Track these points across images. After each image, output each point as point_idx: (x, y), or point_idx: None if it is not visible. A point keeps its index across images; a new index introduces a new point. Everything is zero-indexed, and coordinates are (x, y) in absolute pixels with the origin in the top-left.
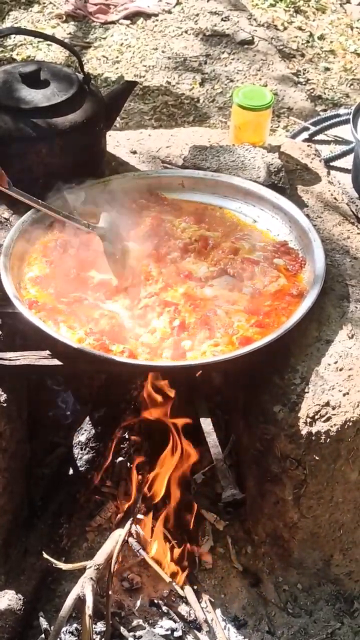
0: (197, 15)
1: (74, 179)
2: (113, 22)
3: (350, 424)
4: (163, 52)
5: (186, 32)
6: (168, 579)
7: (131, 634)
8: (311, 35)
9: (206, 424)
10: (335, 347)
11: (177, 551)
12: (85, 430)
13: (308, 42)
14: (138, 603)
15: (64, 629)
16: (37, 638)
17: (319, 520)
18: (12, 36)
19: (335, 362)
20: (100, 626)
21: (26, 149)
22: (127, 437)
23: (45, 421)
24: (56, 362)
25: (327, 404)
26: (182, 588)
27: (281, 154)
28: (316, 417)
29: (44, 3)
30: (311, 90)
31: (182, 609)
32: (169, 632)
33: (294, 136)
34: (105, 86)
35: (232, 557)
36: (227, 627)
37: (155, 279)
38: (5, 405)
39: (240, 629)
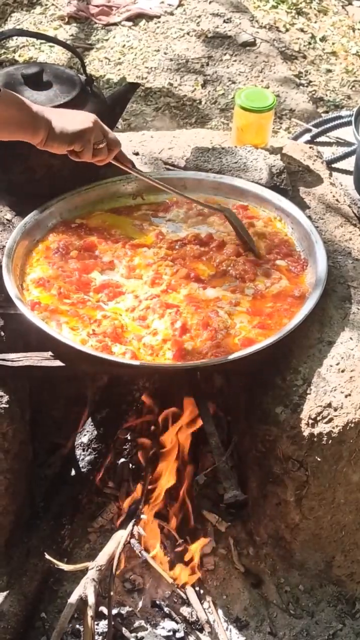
0: (199, 17)
1: (76, 180)
2: (115, 24)
3: (352, 425)
4: (165, 53)
5: (188, 33)
6: (171, 580)
7: (133, 634)
8: (313, 37)
9: (208, 425)
10: (337, 348)
11: (178, 552)
12: (87, 431)
13: (310, 44)
14: (140, 604)
15: (66, 629)
16: (39, 639)
17: (320, 522)
18: (14, 38)
19: (337, 364)
20: (102, 627)
21: (29, 151)
22: (129, 438)
23: (47, 422)
24: (59, 363)
25: (329, 405)
26: (184, 589)
27: (283, 155)
28: (318, 418)
29: (46, 5)
30: (313, 92)
31: (184, 610)
32: (170, 633)
33: (296, 138)
34: (107, 88)
35: (234, 558)
36: (229, 628)
37: (164, 281)
38: (7, 406)
39: (242, 630)
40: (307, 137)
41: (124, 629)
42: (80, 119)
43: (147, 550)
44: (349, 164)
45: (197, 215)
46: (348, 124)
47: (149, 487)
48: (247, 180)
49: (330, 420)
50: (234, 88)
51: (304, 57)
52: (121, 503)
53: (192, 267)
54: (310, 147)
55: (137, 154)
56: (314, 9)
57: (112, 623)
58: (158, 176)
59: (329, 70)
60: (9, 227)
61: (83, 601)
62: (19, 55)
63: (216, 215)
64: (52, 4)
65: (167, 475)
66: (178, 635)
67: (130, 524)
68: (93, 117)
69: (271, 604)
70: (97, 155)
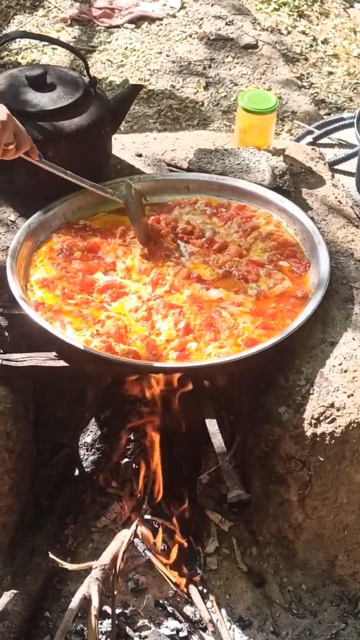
0: (202, 19)
1: None
2: (117, 26)
3: (355, 425)
4: (167, 56)
5: (190, 36)
6: (174, 579)
7: (137, 634)
8: (315, 39)
9: (212, 425)
10: (340, 349)
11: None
12: (91, 431)
13: (312, 46)
14: (143, 603)
15: (69, 628)
16: (43, 638)
17: (323, 521)
18: (17, 40)
19: (340, 364)
20: (105, 626)
21: None
22: (132, 438)
23: (51, 422)
24: (62, 363)
25: (332, 405)
26: (187, 589)
27: (286, 157)
28: (321, 418)
29: (49, 7)
30: (315, 94)
31: (188, 609)
32: (174, 632)
33: (298, 139)
34: (109, 90)
35: (237, 557)
36: (232, 627)
37: (167, 281)
38: (11, 406)
39: (245, 629)
40: (309, 138)
41: (127, 628)
42: None
43: (150, 550)
44: (351, 165)
45: (200, 215)
46: (350, 125)
47: (152, 487)
48: (250, 182)
49: (333, 420)
50: (236, 90)
51: (306, 59)
52: (125, 503)
53: (193, 269)
54: (312, 149)
55: (140, 155)
56: (316, 11)
57: (116, 622)
58: (160, 177)
59: (330, 73)
60: (13, 228)
61: (87, 600)
62: (22, 58)
63: (217, 216)
64: (55, 7)
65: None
66: (181, 634)
67: (134, 524)
68: (4, 116)
69: (274, 603)
70: (4, 155)
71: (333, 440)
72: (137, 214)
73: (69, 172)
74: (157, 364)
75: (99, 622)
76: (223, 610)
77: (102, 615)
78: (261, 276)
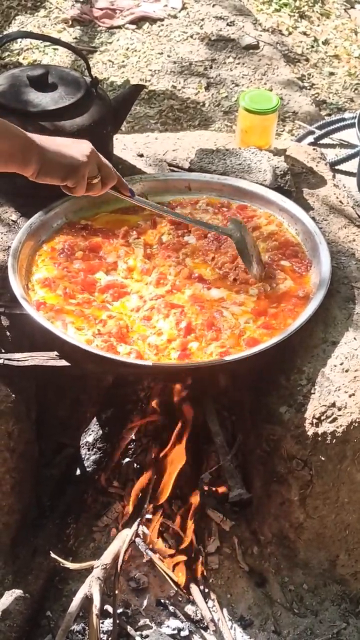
0: (203, 20)
1: None
2: (119, 27)
3: (356, 424)
4: (169, 56)
5: (191, 36)
6: (175, 578)
7: (138, 633)
8: (316, 40)
9: (213, 424)
10: (341, 348)
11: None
12: (92, 431)
13: (313, 47)
14: (145, 602)
15: (71, 628)
16: (44, 637)
17: (324, 521)
18: (19, 40)
19: (341, 364)
20: (107, 625)
21: None
22: (134, 437)
23: (53, 422)
24: (64, 363)
25: (333, 405)
26: (188, 588)
27: (287, 157)
28: (322, 418)
29: (50, 8)
30: (316, 95)
31: (189, 608)
32: (175, 632)
33: (299, 140)
34: (111, 90)
35: (239, 557)
36: (234, 626)
37: (168, 281)
38: (13, 405)
39: (247, 629)
40: (310, 139)
41: (129, 627)
42: (75, 152)
43: (151, 549)
44: (352, 165)
45: (203, 213)
46: (351, 126)
47: (154, 486)
48: (251, 182)
49: (335, 419)
50: (237, 91)
51: (307, 60)
52: (126, 502)
53: (194, 269)
54: (313, 149)
55: (141, 155)
56: (317, 12)
57: (117, 621)
58: (162, 177)
59: (331, 73)
60: (14, 228)
61: (88, 600)
62: (23, 58)
63: (220, 214)
64: (56, 7)
65: (172, 475)
66: (183, 633)
67: (136, 523)
68: (88, 150)
69: (275, 602)
70: (90, 189)
71: (334, 440)
72: (247, 251)
73: (165, 208)
74: (158, 364)
75: (101, 621)
76: (224, 610)
77: (103, 614)
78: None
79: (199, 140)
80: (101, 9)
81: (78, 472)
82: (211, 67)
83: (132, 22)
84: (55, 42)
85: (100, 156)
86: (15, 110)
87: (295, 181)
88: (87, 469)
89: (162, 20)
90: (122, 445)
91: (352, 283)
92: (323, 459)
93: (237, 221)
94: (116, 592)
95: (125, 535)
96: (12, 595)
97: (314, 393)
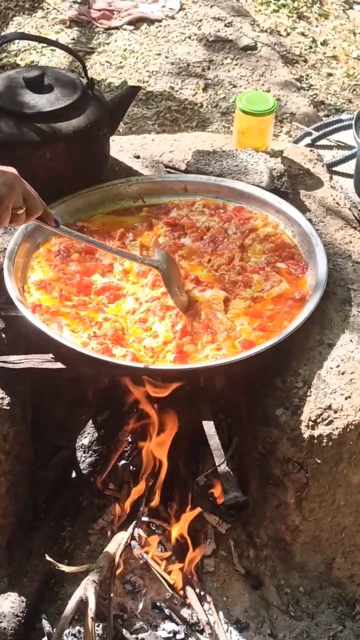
0: (201, 20)
1: (77, 183)
2: (116, 28)
3: (352, 427)
4: (166, 57)
5: (189, 37)
6: (171, 581)
7: (133, 636)
8: (314, 41)
9: (209, 427)
10: (338, 350)
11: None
12: (88, 433)
13: (311, 47)
14: (140, 605)
15: (66, 631)
16: None
17: (321, 524)
18: (16, 41)
19: (337, 366)
20: (102, 628)
21: (30, 154)
22: (130, 440)
23: (49, 424)
24: (60, 365)
25: (329, 407)
26: (184, 591)
27: (284, 158)
28: (318, 420)
29: (48, 9)
30: (314, 96)
31: (185, 611)
32: (171, 635)
33: (296, 141)
34: (108, 91)
35: (234, 560)
36: (229, 629)
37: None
38: (9, 408)
39: (243, 632)
40: (307, 140)
41: (124, 630)
42: None
43: (147, 552)
44: (349, 167)
45: (199, 215)
46: (348, 127)
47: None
48: (248, 183)
49: (331, 422)
50: (234, 92)
51: (305, 61)
52: (122, 505)
53: (190, 270)
54: (310, 151)
55: (138, 157)
56: (315, 13)
57: (113, 624)
58: (158, 179)
59: (329, 74)
60: (10, 229)
61: (83, 602)
62: (21, 59)
63: (217, 216)
64: (54, 8)
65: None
66: (178, 636)
67: (131, 526)
68: (11, 180)
69: (271, 605)
70: (14, 220)
71: (330, 442)
72: (173, 282)
73: (91, 238)
74: (154, 366)
75: (96, 624)
76: (220, 613)
77: (98, 617)
78: (259, 280)
79: (195, 141)
80: (99, 10)
81: (74, 474)
82: (209, 68)
83: (129, 23)
84: (52, 43)
85: (27, 185)
86: (11, 112)
87: (292, 183)
88: (83, 472)
89: (159, 21)
90: (118, 448)
91: (348, 285)
92: (319, 461)
93: (162, 252)
94: (111, 595)
95: (121, 538)
96: (7, 598)
97: (310, 395)
